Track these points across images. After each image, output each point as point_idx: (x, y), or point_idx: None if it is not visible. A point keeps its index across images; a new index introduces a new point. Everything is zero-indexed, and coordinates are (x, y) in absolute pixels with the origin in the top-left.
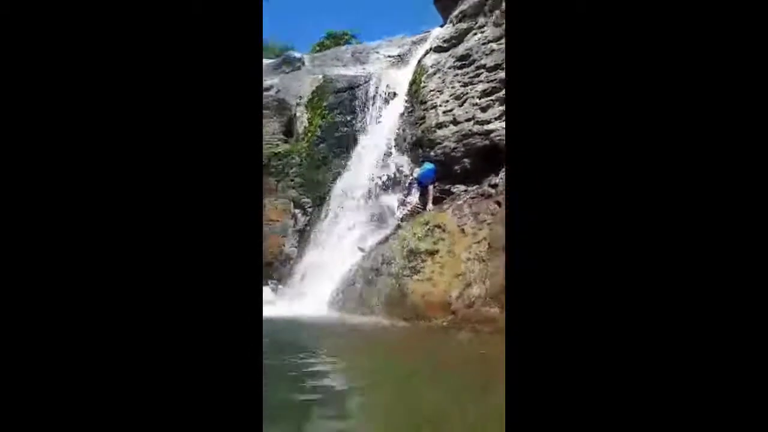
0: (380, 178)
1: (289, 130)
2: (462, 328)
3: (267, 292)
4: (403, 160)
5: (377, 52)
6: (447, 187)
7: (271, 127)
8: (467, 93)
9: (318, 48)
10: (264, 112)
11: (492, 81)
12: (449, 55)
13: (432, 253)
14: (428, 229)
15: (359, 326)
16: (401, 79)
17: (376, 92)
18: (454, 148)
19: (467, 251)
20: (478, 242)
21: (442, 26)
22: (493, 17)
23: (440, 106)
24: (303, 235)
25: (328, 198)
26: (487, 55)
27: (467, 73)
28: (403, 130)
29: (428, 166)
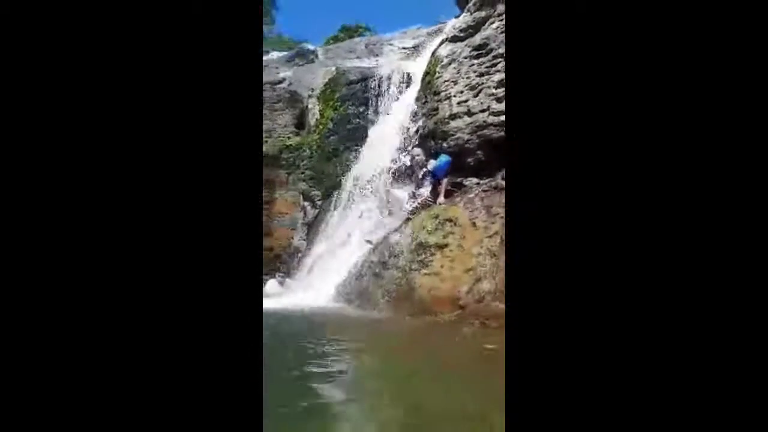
0: (390, 170)
1: (301, 123)
2: (471, 323)
3: (274, 284)
4: (415, 152)
5: (391, 44)
6: (459, 180)
7: (282, 119)
8: (483, 83)
9: (332, 41)
10: (276, 104)
11: None
12: (465, 45)
13: (441, 247)
14: (438, 222)
15: (362, 319)
16: (415, 70)
17: (389, 83)
18: (468, 140)
19: (478, 245)
20: (490, 236)
21: (457, 17)
22: None
23: (454, 96)
24: (312, 228)
25: (337, 190)
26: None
27: (483, 62)
28: (416, 122)
29: (444, 158)
